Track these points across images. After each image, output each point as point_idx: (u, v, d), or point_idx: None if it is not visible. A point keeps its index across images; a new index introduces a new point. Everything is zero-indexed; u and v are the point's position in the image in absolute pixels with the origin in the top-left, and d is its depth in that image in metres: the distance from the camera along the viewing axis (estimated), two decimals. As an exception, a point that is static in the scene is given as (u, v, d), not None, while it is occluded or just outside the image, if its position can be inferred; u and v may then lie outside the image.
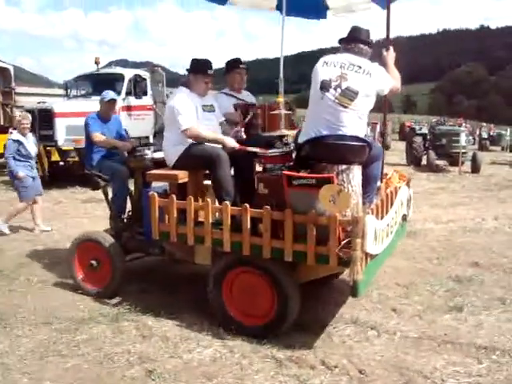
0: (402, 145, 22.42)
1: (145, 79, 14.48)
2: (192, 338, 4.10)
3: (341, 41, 4.26)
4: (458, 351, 3.93)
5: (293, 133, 4.60)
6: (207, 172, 4.75)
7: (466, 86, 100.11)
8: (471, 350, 3.95)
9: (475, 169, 16.72)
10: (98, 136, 5.76)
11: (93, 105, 12.45)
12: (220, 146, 4.58)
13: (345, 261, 3.57)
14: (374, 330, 4.25)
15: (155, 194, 4.38)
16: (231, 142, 4.58)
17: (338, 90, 3.91)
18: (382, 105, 5.24)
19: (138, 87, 14.04)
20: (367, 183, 4.21)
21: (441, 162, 17.65)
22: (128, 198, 5.64)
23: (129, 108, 13.75)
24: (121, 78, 13.89)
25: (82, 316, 4.58)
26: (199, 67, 4.83)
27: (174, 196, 4.30)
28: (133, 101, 13.89)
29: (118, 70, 14.70)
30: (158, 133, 13.74)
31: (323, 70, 4.03)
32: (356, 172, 4.02)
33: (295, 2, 5.73)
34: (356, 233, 3.45)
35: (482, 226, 8.36)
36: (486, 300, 5.00)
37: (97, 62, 14.66)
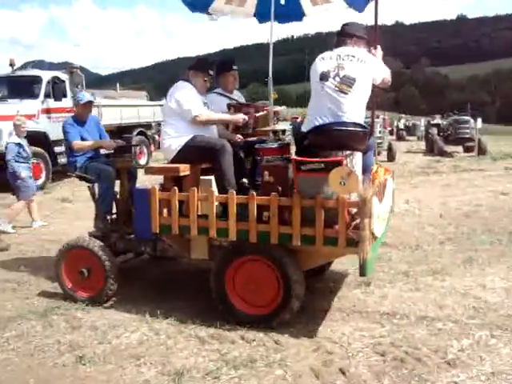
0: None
1: (63, 81, 14.30)
2: (119, 325, 4.32)
3: (337, 35, 4.44)
4: (365, 319, 4.38)
5: (285, 127, 4.91)
6: (204, 167, 4.87)
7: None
8: (376, 316, 4.42)
9: (391, 157, 17.71)
10: (77, 144, 5.70)
11: (10, 109, 12.31)
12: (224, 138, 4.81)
13: (353, 242, 3.73)
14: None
15: (156, 188, 4.41)
16: (239, 118, 4.84)
17: (337, 78, 4.07)
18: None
19: (56, 89, 13.87)
20: (362, 172, 4.30)
21: None
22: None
23: (48, 111, 13.57)
24: (38, 80, 13.64)
25: (9, 315, 4.66)
26: (201, 65, 5.02)
27: (175, 188, 4.35)
28: (52, 103, 13.71)
29: (34, 72, 14.36)
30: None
31: (321, 64, 4.21)
32: (358, 158, 4.17)
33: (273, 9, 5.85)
34: (365, 213, 3.62)
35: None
36: (391, 274, 5.52)
37: (12, 64, 14.32)
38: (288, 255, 4.09)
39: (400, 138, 31.70)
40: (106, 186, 5.44)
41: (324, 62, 4.21)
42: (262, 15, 6.12)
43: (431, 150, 21.14)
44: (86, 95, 6.20)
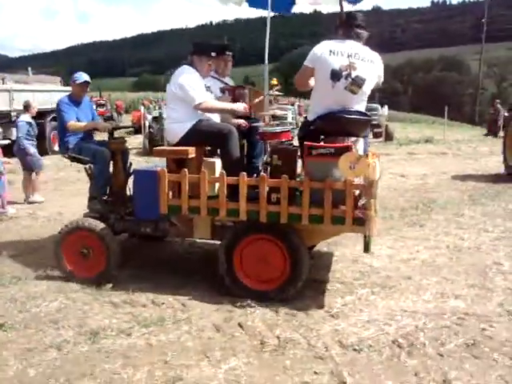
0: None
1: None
2: (38, 296, 4.59)
3: (338, 27, 4.54)
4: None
5: (284, 113, 5.12)
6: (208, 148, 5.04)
7: (300, 67, 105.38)
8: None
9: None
10: (72, 125, 5.60)
11: None
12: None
13: (359, 220, 4.05)
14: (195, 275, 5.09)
15: (165, 170, 4.50)
16: (241, 107, 4.92)
17: (349, 78, 4.17)
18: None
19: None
20: None
21: None
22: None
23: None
24: None
25: None
26: (205, 49, 5.04)
27: (185, 170, 4.46)
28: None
29: None
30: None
31: (332, 59, 4.22)
32: (361, 144, 4.45)
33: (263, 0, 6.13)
34: (371, 194, 3.95)
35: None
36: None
37: None
38: (295, 234, 4.36)
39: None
40: (101, 168, 5.41)
41: (335, 58, 4.23)
42: (253, 1, 6.35)
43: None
44: (83, 75, 5.99)
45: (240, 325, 4.01)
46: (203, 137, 4.77)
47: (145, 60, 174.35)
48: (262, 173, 4.59)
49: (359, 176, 4.08)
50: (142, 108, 21.45)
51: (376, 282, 4.96)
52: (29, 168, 8.95)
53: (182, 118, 4.77)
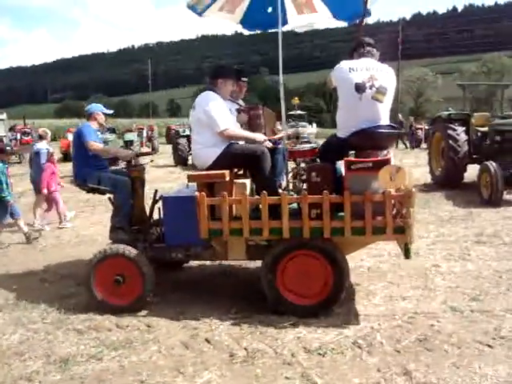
0: (170, 147, 23.48)
1: None
2: (-5, 330, 4.55)
3: (352, 51, 4.84)
4: (221, 297, 5.07)
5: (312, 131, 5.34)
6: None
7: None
8: (227, 292, 5.13)
9: None
10: (94, 145, 5.55)
11: None
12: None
13: (399, 229, 4.25)
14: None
15: (204, 195, 4.49)
16: (262, 137, 5.03)
17: (373, 88, 4.43)
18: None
19: None
20: None
21: None
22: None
23: None
24: None
25: None
26: (230, 72, 5.15)
27: (225, 193, 4.47)
28: None
29: None
30: None
31: (353, 75, 4.48)
32: (392, 156, 4.67)
33: (258, 18, 6.17)
34: (411, 203, 4.16)
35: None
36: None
37: None
38: (336, 248, 4.52)
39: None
40: (124, 197, 5.36)
41: (356, 74, 4.49)
42: (248, 23, 6.39)
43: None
44: (101, 106, 6.21)
45: (207, 340, 4.15)
46: (237, 159, 4.88)
47: (67, 85, 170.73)
48: (282, 191, 4.81)
49: (399, 186, 4.28)
50: (70, 136, 21.13)
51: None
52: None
53: (212, 143, 4.85)
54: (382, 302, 4.88)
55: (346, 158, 4.48)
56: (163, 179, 15.20)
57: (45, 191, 8.88)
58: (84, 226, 9.21)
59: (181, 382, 3.54)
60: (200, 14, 5.97)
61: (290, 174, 5.29)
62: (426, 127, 19.61)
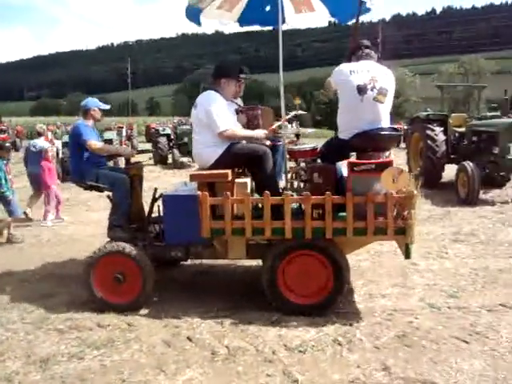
0: (149, 146, 23.22)
1: None
2: (-26, 332, 4.50)
3: (350, 55, 4.91)
4: (207, 295, 5.08)
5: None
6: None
7: (202, 86, 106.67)
8: (208, 292, 5.15)
9: None
10: (94, 144, 5.45)
11: None
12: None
13: (400, 230, 4.31)
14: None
15: (206, 194, 4.47)
16: (262, 134, 4.99)
17: (375, 90, 4.51)
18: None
19: None
20: None
21: (185, 159, 19.14)
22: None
23: None
24: None
25: None
26: (234, 71, 5.09)
27: (228, 193, 4.47)
28: None
29: None
30: None
31: (354, 77, 4.54)
32: (391, 157, 4.72)
33: (256, 14, 6.11)
34: (412, 205, 4.23)
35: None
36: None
37: None
38: (335, 246, 4.57)
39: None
40: (123, 195, 5.30)
41: (357, 76, 4.56)
42: (245, 21, 6.29)
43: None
44: (99, 101, 6.01)
45: (189, 338, 4.17)
46: (239, 159, 4.88)
47: (44, 83, 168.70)
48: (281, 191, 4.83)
49: (401, 188, 4.33)
50: (50, 134, 20.88)
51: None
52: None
53: (213, 143, 4.84)
54: (362, 300, 4.95)
55: (349, 160, 4.53)
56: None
57: (50, 188, 9.17)
58: (62, 225, 9.13)
59: (163, 380, 3.56)
60: (198, 21, 5.85)
61: (289, 174, 5.31)
62: (405, 127, 19.78)
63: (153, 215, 5.43)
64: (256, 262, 5.74)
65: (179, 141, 19.89)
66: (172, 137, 20.74)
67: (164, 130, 21.43)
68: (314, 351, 3.90)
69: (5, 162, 7.99)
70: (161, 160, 19.74)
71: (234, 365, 3.75)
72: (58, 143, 17.36)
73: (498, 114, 12.08)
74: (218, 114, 4.80)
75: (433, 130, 11.73)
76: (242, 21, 6.27)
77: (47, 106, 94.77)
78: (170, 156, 19.91)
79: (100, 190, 5.52)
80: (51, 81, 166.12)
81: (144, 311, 4.76)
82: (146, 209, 5.46)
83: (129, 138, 29.43)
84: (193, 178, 4.77)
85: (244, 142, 5.02)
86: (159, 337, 4.23)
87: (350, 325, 4.34)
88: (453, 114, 12.69)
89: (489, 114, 12.71)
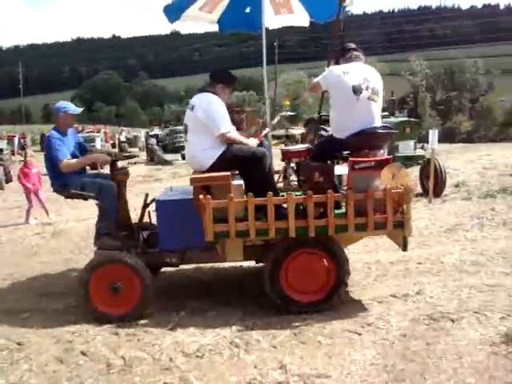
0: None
1: None
2: None
3: (338, 59, 5.01)
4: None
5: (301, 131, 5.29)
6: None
7: (103, 92, 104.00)
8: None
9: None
10: (66, 164, 5.08)
11: None
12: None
13: (398, 224, 4.42)
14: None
15: (209, 197, 4.35)
16: (254, 143, 5.00)
17: (369, 89, 4.63)
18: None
19: None
20: None
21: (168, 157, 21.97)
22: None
23: None
24: None
25: None
26: (230, 80, 5.12)
27: (231, 196, 4.36)
28: None
29: None
30: None
31: (348, 78, 4.63)
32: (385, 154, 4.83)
33: (235, 18, 6.03)
34: (409, 199, 4.36)
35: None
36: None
37: None
38: (335, 242, 4.60)
39: (122, 150, 32.58)
40: (111, 202, 5.09)
41: (350, 77, 4.66)
42: (224, 23, 6.19)
43: (152, 159, 22.64)
44: (71, 104, 5.62)
45: (83, 352, 4.02)
46: (237, 161, 4.80)
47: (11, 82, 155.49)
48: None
49: (400, 184, 4.42)
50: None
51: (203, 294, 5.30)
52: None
53: (210, 145, 4.76)
54: (255, 301, 4.97)
55: (350, 158, 4.60)
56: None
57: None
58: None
59: (53, 400, 3.40)
60: (176, 18, 5.66)
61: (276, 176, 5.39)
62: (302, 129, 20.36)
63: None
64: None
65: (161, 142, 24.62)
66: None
67: (152, 130, 26.80)
68: (211, 355, 3.89)
69: None
70: (151, 158, 22.89)
71: (131, 375, 3.66)
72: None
73: (386, 113, 12.75)
74: (219, 115, 4.79)
75: (326, 131, 12.11)
76: (221, 23, 6.25)
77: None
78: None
79: (84, 198, 5.29)
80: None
81: (34, 329, 4.55)
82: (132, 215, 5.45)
83: (22, 147, 28.13)
84: (193, 181, 4.68)
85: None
86: (50, 353, 4.04)
87: (247, 326, 4.37)
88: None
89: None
